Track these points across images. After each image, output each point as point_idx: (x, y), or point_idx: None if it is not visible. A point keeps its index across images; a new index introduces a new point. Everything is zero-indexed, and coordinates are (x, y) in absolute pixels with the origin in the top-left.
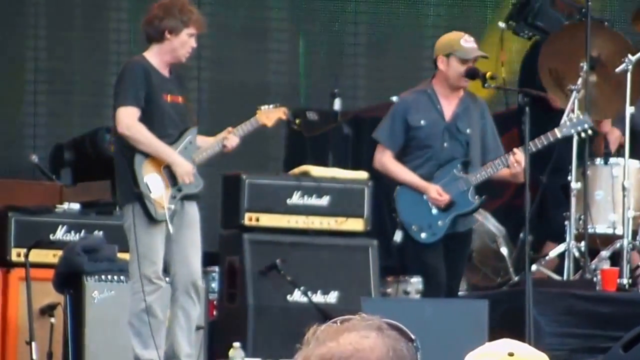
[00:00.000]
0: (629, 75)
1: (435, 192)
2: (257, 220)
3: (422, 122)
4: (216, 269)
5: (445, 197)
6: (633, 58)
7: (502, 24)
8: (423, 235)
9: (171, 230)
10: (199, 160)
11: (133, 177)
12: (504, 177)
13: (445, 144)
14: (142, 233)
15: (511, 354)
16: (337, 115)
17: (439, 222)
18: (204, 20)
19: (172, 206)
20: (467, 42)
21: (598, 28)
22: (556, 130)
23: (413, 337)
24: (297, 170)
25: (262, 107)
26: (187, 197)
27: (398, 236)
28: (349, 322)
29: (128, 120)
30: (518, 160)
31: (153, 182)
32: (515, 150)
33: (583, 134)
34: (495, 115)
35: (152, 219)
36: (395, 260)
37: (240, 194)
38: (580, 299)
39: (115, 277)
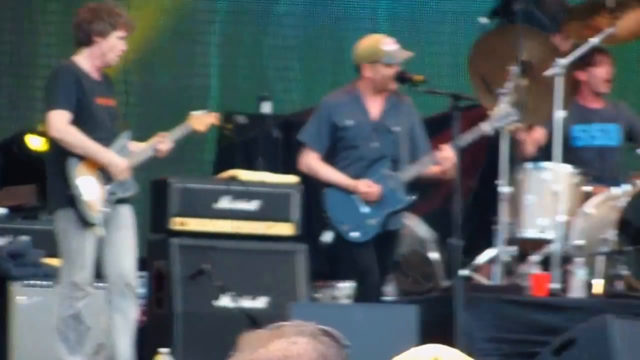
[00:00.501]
0: (558, 79)
1: (365, 185)
2: (185, 224)
3: (349, 122)
4: (144, 274)
5: (375, 188)
6: (563, 62)
7: (484, 20)
8: (354, 234)
9: (104, 233)
10: (131, 164)
11: (66, 180)
12: (435, 175)
13: (374, 143)
14: (73, 237)
15: (436, 359)
16: (266, 119)
17: (370, 221)
18: (133, 22)
19: (106, 209)
20: (388, 45)
21: (528, 32)
22: (482, 124)
23: (346, 343)
24: (225, 174)
25: (194, 113)
26: (121, 200)
27: (327, 237)
28: (281, 328)
29: (59, 123)
30: (445, 156)
31: (86, 185)
32: (441, 146)
33: (510, 128)
34: (429, 118)
35: (84, 223)
36: (324, 265)
37: (167, 198)
38: (510, 304)
39: (44, 283)
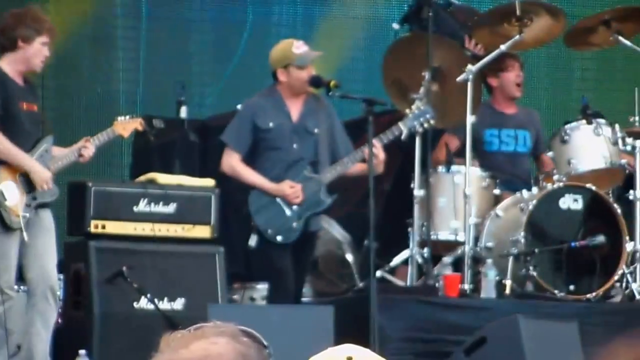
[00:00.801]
0: (469, 84)
1: (288, 186)
2: (103, 227)
3: (271, 124)
4: (61, 276)
5: (298, 188)
6: (473, 68)
7: (396, 26)
8: (279, 237)
9: (26, 238)
10: (54, 169)
11: None
12: (357, 173)
13: (294, 145)
14: None
15: (350, 358)
16: (184, 123)
17: (294, 224)
18: (56, 28)
19: (27, 214)
20: (298, 48)
21: (438, 39)
22: (400, 123)
23: (266, 343)
24: (143, 177)
25: (119, 118)
26: (42, 205)
27: (253, 240)
28: (201, 329)
29: None
30: (377, 153)
31: (8, 190)
32: (374, 142)
33: (426, 125)
34: (346, 122)
35: (6, 227)
36: (241, 267)
37: (85, 201)
38: (424, 304)
39: None
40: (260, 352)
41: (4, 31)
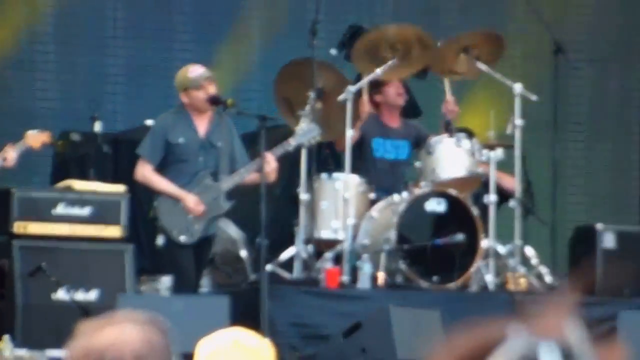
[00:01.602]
0: (348, 103)
1: (193, 203)
2: (25, 228)
3: (180, 139)
4: None
5: (200, 208)
6: (352, 89)
7: (334, 51)
8: (182, 237)
9: None
10: None
11: None
12: (252, 181)
13: (200, 158)
14: None
15: (235, 340)
16: (98, 136)
17: (196, 226)
18: None
19: None
20: (192, 72)
21: (322, 64)
22: (290, 139)
23: (167, 329)
24: (61, 184)
25: (30, 132)
26: None
27: (160, 240)
28: (113, 317)
29: None
30: (269, 162)
31: None
32: (266, 154)
33: (313, 141)
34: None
35: None
36: (148, 262)
37: (10, 205)
38: (308, 294)
39: None
40: (164, 337)
41: None
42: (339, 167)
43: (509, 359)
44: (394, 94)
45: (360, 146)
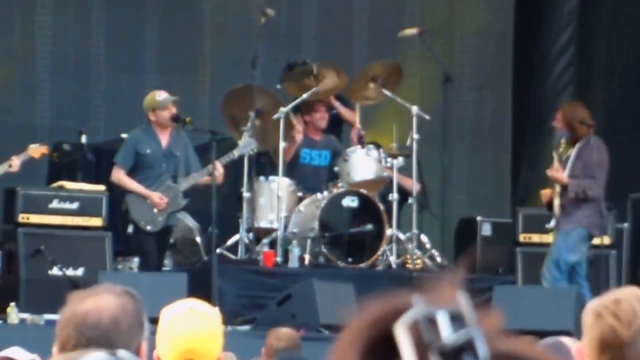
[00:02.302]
0: (281, 121)
1: (158, 197)
2: (28, 218)
3: (148, 151)
4: None
5: (164, 201)
6: (284, 110)
7: (279, 86)
8: (149, 227)
9: None
10: None
11: None
12: (205, 183)
13: (163, 165)
14: None
15: (191, 308)
16: (84, 147)
17: (159, 218)
18: None
19: None
20: (159, 96)
21: (260, 89)
22: (234, 150)
23: (138, 299)
24: (55, 184)
25: (32, 145)
26: None
27: (130, 229)
28: (95, 289)
29: None
30: (218, 168)
31: None
32: (216, 162)
33: (252, 152)
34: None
35: None
36: (123, 246)
37: (15, 200)
38: (250, 272)
39: None
40: (135, 304)
41: None
42: (274, 171)
43: (411, 322)
44: (319, 117)
45: (296, 157)
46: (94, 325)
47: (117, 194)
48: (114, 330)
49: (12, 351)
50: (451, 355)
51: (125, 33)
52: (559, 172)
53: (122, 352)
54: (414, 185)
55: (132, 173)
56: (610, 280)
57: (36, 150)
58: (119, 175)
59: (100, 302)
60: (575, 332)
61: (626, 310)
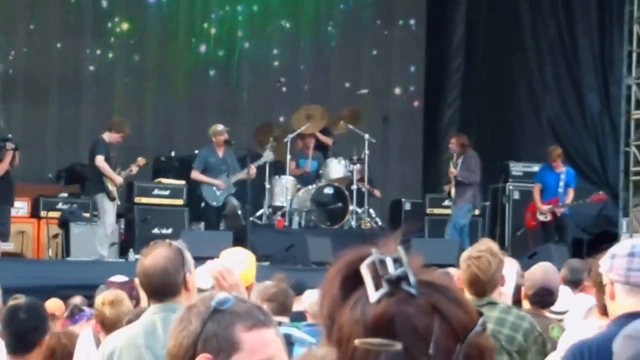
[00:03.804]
0: (288, 144)
1: (222, 182)
2: (140, 200)
3: (212, 160)
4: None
5: (224, 184)
6: (290, 136)
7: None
8: (214, 203)
9: None
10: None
11: None
12: (244, 178)
13: (223, 167)
14: None
15: (237, 250)
16: (172, 158)
17: (221, 198)
18: None
19: None
20: (219, 127)
21: (275, 124)
22: (261, 159)
23: (179, 247)
24: (156, 180)
25: (139, 158)
26: None
27: (202, 204)
28: (153, 246)
29: None
30: (251, 169)
31: None
32: (251, 165)
33: (270, 160)
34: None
35: None
36: (195, 217)
37: (133, 189)
38: (270, 231)
39: None
40: (176, 253)
41: None
42: (284, 173)
43: (370, 263)
44: (309, 141)
45: (296, 163)
46: (152, 274)
47: (192, 186)
48: (165, 274)
49: (116, 277)
50: (394, 283)
51: None
52: (454, 170)
53: (234, 293)
54: (366, 181)
55: (203, 174)
56: (479, 235)
57: (140, 160)
58: (197, 175)
59: (155, 258)
60: (457, 265)
61: (484, 263)
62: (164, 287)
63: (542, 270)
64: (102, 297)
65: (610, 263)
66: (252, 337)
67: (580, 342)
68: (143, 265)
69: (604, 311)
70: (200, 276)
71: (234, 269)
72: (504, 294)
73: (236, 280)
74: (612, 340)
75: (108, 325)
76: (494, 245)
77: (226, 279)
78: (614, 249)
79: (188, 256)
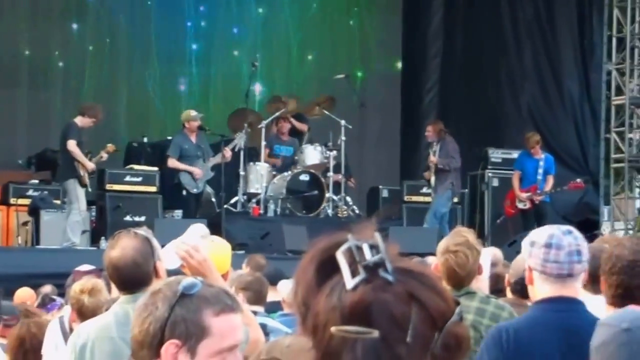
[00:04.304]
0: (263, 129)
1: (200, 171)
2: (112, 187)
3: (186, 146)
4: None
5: (199, 171)
6: (264, 122)
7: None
8: (194, 190)
9: None
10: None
11: None
12: (219, 162)
13: (198, 153)
14: None
15: (212, 239)
16: (145, 144)
17: (200, 184)
18: None
19: None
20: (192, 112)
21: (250, 111)
22: (234, 141)
23: (146, 236)
24: (128, 166)
25: (108, 144)
26: None
27: (184, 192)
28: (119, 237)
29: None
30: (227, 152)
31: None
32: (226, 149)
33: (243, 143)
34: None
35: None
36: (168, 204)
37: (104, 175)
38: (244, 218)
39: None
40: (144, 243)
41: None
42: (259, 159)
43: (346, 250)
44: (284, 127)
45: (271, 150)
46: (122, 267)
47: (168, 174)
48: (135, 266)
49: (84, 267)
50: (371, 269)
51: None
52: (433, 158)
53: (199, 278)
54: (343, 169)
55: (179, 160)
56: (458, 223)
57: (110, 147)
58: (173, 162)
59: (123, 250)
60: (436, 254)
61: (462, 257)
62: (134, 279)
63: None
64: (81, 285)
65: (530, 251)
66: (221, 322)
67: (500, 325)
68: (111, 258)
69: (612, 301)
70: (166, 257)
71: (199, 244)
72: (481, 280)
73: (204, 256)
74: (530, 323)
75: (86, 314)
76: (471, 237)
77: (194, 256)
78: (534, 236)
79: (156, 244)
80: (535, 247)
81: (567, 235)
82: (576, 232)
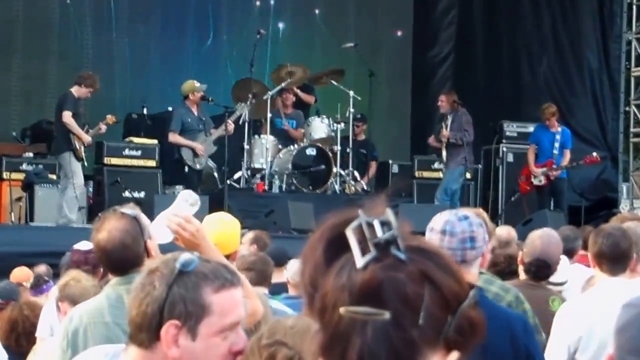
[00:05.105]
0: (268, 100)
1: (203, 147)
2: (110, 160)
3: (188, 119)
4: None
5: (202, 148)
6: (270, 93)
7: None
8: (198, 166)
9: None
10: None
11: None
12: (222, 134)
13: (200, 126)
14: None
15: (220, 217)
16: (146, 116)
17: (203, 160)
18: None
19: None
20: (196, 83)
21: (255, 81)
22: (237, 111)
23: (136, 215)
24: (127, 139)
25: (108, 115)
26: None
27: (186, 169)
28: (105, 219)
29: None
30: (229, 125)
31: None
32: (228, 121)
33: (245, 112)
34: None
35: None
36: (168, 179)
37: (102, 148)
38: (248, 195)
39: None
40: (133, 223)
41: None
42: (263, 132)
43: (357, 227)
44: (287, 102)
45: (273, 123)
46: (110, 251)
47: (168, 149)
48: (124, 248)
49: (82, 244)
50: (382, 247)
51: None
52: (446, 132)
53: (196, 253)
54: (350, 140)
55: (180, 134)
56: (470, 200)
57: (110, 118)
58: (175, 137)
59: (110, 232)
60: None
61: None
62: (124, 262)
63: (543, 240)
64: (62, 281)
65: (429, 236)
66: (221, 299)
67: None
68: (98, 241)
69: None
70: (158, 232)
71: (189, 213)
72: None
73: (197, 226)
74: None
75: (76, 300)
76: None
77: (187, 228)
78: (433, 222)
79: (145, 221)
80: (432, 233)
81: (462, 222)
82: (473, 218)
